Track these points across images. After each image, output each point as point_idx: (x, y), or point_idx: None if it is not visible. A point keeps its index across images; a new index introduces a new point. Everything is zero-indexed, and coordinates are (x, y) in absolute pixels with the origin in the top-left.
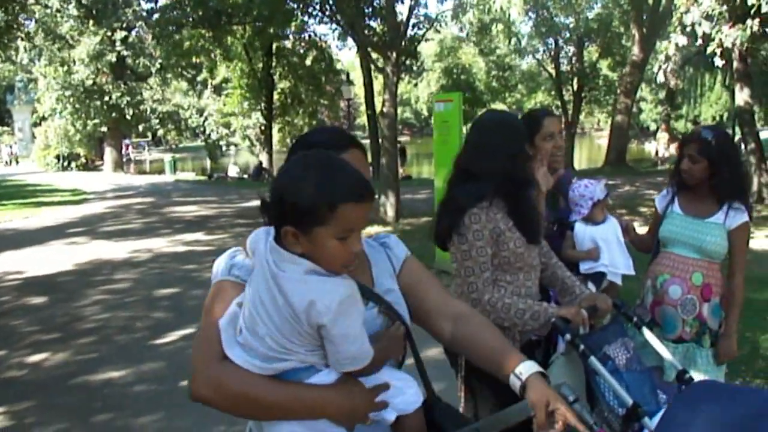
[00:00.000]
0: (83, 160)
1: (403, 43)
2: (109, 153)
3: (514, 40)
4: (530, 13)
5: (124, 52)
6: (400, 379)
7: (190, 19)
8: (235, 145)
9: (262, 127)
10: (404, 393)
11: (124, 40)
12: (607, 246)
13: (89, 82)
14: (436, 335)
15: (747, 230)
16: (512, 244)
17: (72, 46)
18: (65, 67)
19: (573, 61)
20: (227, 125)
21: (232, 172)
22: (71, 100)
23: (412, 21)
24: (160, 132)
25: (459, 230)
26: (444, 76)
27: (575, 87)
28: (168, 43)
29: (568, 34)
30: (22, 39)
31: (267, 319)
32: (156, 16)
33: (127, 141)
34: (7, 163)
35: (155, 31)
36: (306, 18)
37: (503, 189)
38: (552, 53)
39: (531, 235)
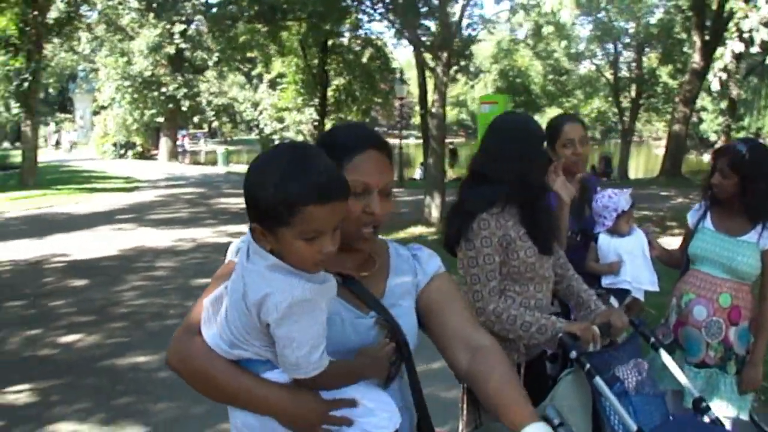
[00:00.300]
0: (139, 148)
1: (454, 44)
2: (164, 143)
3: (570, 43)
4: (587, 17)
5: (183, 45)
6: (374, 400)
7: (245, 14)
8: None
9: (315, 123)
10: (374, 415)
11: (182, 33)
12: (631, 260)
13: (147, 74)
14: (452, 365)
15: None
16: (523, 253)
17: (132, 37)
18: (125, 58)
19: (632, 67)
20: (281, 120)
21: None
22: (129, 90)
23: (465, 22)
24: (215, 124)
25: (467, 236)
26: (500, 78)
27: (633, 94)
28: (223, 37)
29: (627, 40)
30: (83, 30)
31: (231, 307)
32: (214, 10)
33: (183, 132)
34: (67, 150)
35: (211, 25)
36: (361, 16)
37: (516, 195)
38: (610, 58)
39: (543, 244)
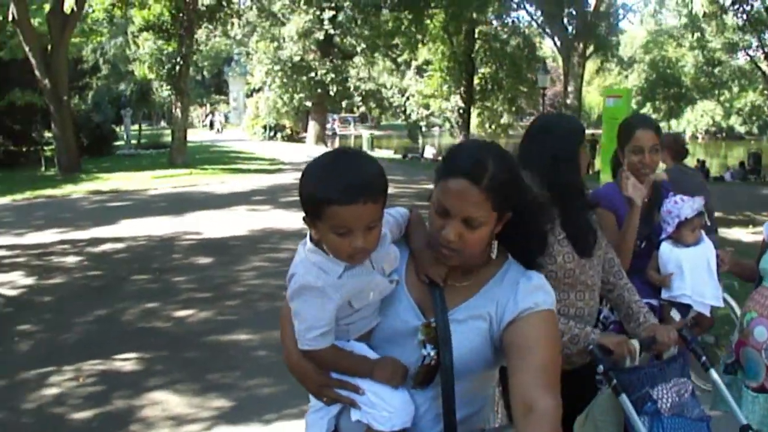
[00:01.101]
0: (288, 131)
1: (595, 33)
2: (312, 126)
3: (725, 33)
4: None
5: (332, 31)
6: (379, 396)
7: (389, 2)
8: (439, 126)
9: (461, 111)
10: (375, 408)
11: (332, 20)
12: (692, 272)
13: (297, 58)
14: (510, 415)
15: None
16: (561, 258)
17: (283, 23)
18: (275, 43)
19: None
20: (426, 106)
21: (429, 153)
22: (279, 74)
23: (606, 10)
24: (362, 109)
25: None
26: (650, 70)
27: None
28: (368, 24)
29: None
30: (232, 16)
31: None
32: None
33: (335, 116)
34: (218, 130)
35: (356, 12)
36: (503, 4)
37: (553, 196)
38: (766, 49)
39: (581, 248)
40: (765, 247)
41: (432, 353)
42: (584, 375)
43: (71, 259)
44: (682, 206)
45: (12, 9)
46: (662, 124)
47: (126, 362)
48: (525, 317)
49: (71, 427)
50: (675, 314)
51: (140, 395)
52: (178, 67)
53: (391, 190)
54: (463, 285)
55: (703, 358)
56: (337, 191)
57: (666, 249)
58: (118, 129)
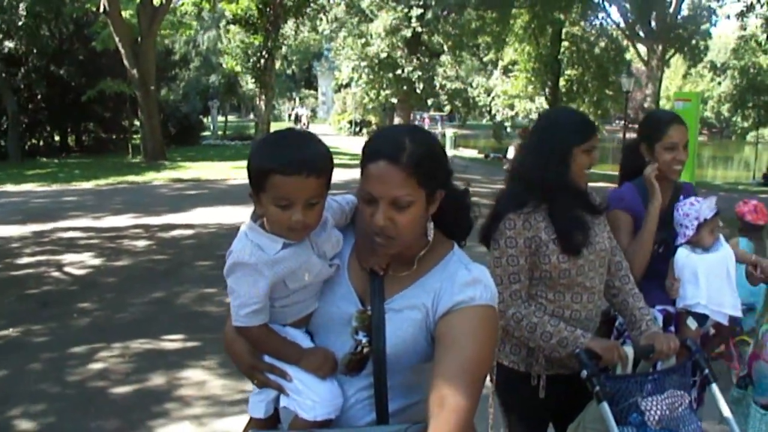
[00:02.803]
0: (374, 127)
1: (675, 35)
2: (397, 123)
3: None
4: None
5: (420, 29)
6: (306, 384)
7: (472, 1)
8: (525, 128)
9: None
10: (300, 395)
11: (420, 17)
12: (709, 280)
13: (384, 55)
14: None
15: None
16: (555, 257)
17: (371, 20)
18: (362, 40)
19: None
20: (511, 107)
21: (511, 154)
22: (366, 70)
23: (692, 12)
24: (447, 108)
25: (493, 236)
26: (740, 76)
27: None
28: (452, 23)
29: None
30: (319, 12)
31: None
32: None
33: (424, 114)
34: (304, 125)
35: (440, 11)
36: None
37: (543, 192)
38: None
39: (564, 245)
40: None
41: (364, 341)
42: (578, 386)
43: (141, 243)
44: (700, 207)
45: (104, 1)
46: (752, 133)
47: (172, 343)
48: (459, 310)
49: (110, 400)
50: (692, 323)
51: (180, 375)
52: (263, 61)
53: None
54: (403, 275)
55: (706, 370)
56: (281, 162)
57: (682, 255)
58: (205, 120)
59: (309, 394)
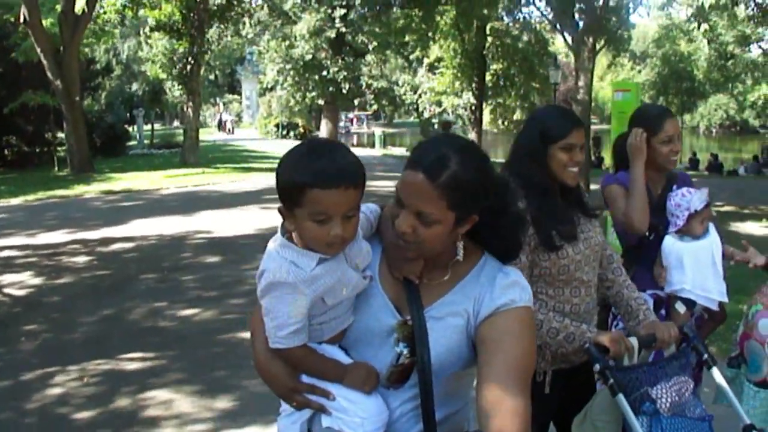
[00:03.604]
0: (301, 129)
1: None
2: (325, 125)
3: (737, 27)
4: None
5: (343, 29)
6: (352, 401)
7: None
8: (452, 123)
9: (473, 107)
10: (347, 414)
11: (343, 18)
12: (694, 266)
13: (309, 57)
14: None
15: None
16: (554, 254)
17: (294, 22)
18: (287, 42)
19: None
20: (439, 103)
21: None
22: (291, 73)
23: (617, 4)
24: (374, 107)
25: None
26: (662, 64)
27: None
28: (378, 22)
29: None
30: (243, 15)
31: None
32: None
33: (351, 114)
34: (229, 130)
35: (365, 10)
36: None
37: (525, 192)
38: None
39: (542, 239)
40: None
41: (406, 352)
42: (583, 373)
43: (81, 259)
44: (692, 198)
45: (24, 10)
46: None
47: (131, 362)
48: (501, 313)
49: (75, 426)
50: (680, 307)
51: (145, 394)
52: (189, 67)
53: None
54: (439, 281)
55: (705, 355)
56: (318, 175)
57: (669, 242)
58: (130, 129)
59: (356, 411)
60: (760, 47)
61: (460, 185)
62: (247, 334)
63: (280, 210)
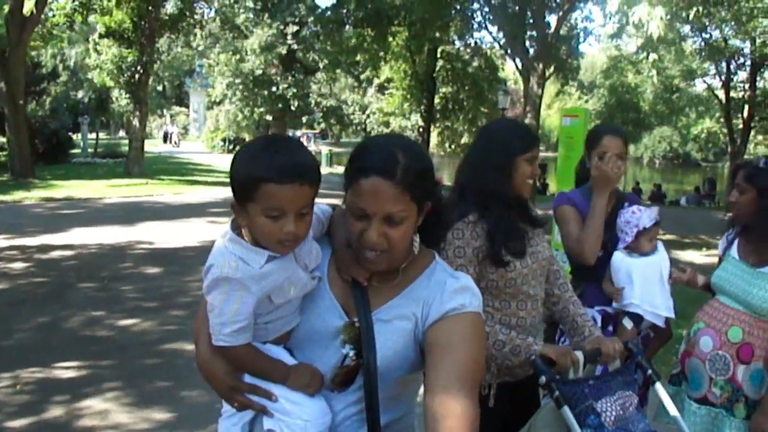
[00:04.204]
0: None
1: (556, 55)
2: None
3: (683, 61)
4: (699, 34)
5: (295, 46)
6: (295, 403)
7: (351, 18)
8: None
9: (420, 129)
10: (289, 416)
11: (295, 34)
12: (643, 282)
13: (259, 72)
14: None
15: None
16: (501, 267)
17: (246, 36)
18: (237, 56)
19: (745, 88)
20: (387, 124)
21: None
22: (240, 87)
23: (568, 33)
24: (322, 125)
25: (441, 246)
26: (609, 94)
27: (745, 115)
28: (331, 40)
29: (741, 60)
30: (194, 26)
31: None
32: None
33: (299, 132)
34: (175, 143)
35: (317, 28)
36: (465, 25)
37: (480, 202)
38: (722, 77)
39: (495, 257)
40: (719, 264)
41: (352, 354)
42: (527, 388)
43: (17, 266)
44: (641, 216)
45: None
46: None
47: (67, 370)
48: (450, 318)
49: None
50: (627, 322)
51: (80, 404)
52: (138, 76)
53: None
54: (388, 284)
55: (649, 370)
56: (275, 170)
57: (618, 258)
58: (75, 137)
59: (299, 414)
60: (704, 82)
61: (415, 175)
62: (187, 346)
63: (232, 205)
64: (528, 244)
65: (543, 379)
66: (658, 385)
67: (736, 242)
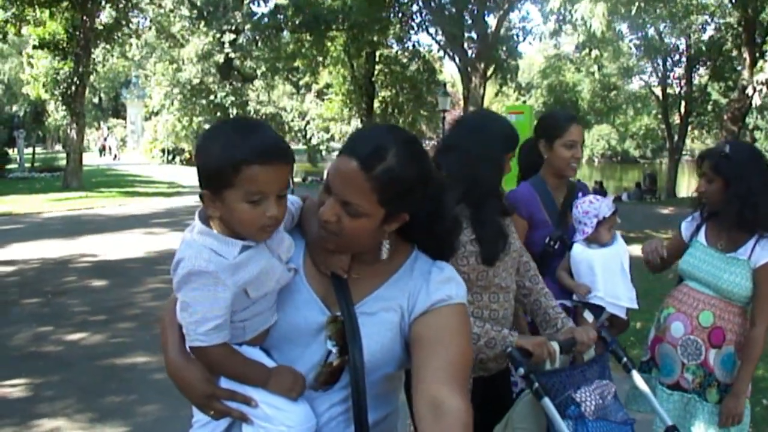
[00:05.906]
0: (187, 155)
1: (495, 56)
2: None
3: (620, 59)
4: (636, 32)
5: (232, 54)
6: (276, 408)
7: (289, 24)
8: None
9: None
10: (271, 422)
11: (232, 42)
12: (606, 273)
13: (196, 81)
14: (413, 411)
15: None
16: (473, 259)
17: (182, 45)
18: (174, 65)
19: (681, 84)
20: (327, 130)
21: None
22: (178, 97)
23: (506, 33)
24: None
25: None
26: (548, 94)
27: (682, 111)
28: (269, 46)
29: (677, 57)
30: (132, 36)
31: None
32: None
33: None
34: (115, 156)
35: (255, 34)
36: (404, 27)
37: (469, 196)
38: (659, 74)
39: (485, 254)
40: (681, 245)
41: (334, 350)
42: (501, 382)
43: None
44: (600, 205)
45: None
46: None
47: (14, 388)
48: (437, 310)
49: None
50: (588, 315)
51: (30, 422)
52: (74, 87)
53: None
54: (369, 275)
55: (624, 359)
56: (256, 151)
57: (578, 250)
58: (10, 152)
59: (281, 420)
60: (641, 79)
61: (394, 180)
62: (139, 358)
63: (201, 197)
64: None
65: (521, 370)
66: (634, 373)
67: (703, 229)
